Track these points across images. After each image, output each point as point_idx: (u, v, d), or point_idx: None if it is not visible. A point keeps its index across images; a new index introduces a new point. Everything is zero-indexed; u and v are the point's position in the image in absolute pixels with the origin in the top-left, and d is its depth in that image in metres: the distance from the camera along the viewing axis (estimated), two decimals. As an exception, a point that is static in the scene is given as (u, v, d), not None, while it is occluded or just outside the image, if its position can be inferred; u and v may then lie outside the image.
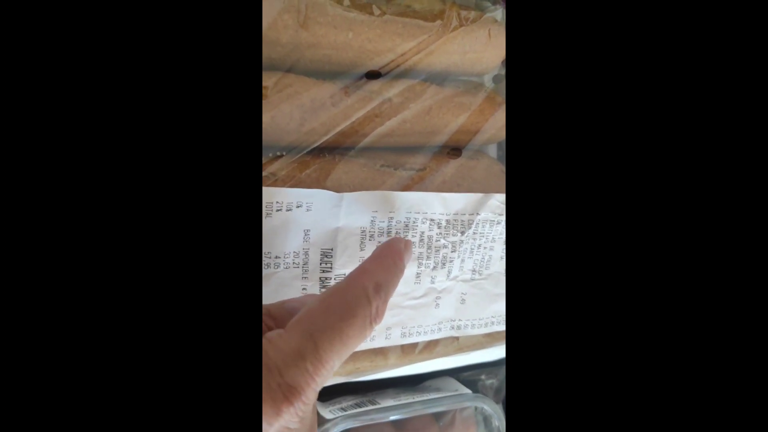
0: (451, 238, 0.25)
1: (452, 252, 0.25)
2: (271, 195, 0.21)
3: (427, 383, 0.33)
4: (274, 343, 0.14)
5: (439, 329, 0.26)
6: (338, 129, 0.23)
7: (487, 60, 0.27)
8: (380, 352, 0.26)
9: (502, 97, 0.27)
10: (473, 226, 0.25)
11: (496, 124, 0.27)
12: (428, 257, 0.25)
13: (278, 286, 0.22)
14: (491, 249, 0.27)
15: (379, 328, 0.24)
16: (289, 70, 0.24)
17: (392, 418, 0.29)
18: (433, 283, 0.25)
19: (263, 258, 0.22)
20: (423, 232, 0.24)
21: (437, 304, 0.26)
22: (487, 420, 0.30)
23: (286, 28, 0.22)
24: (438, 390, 0.31)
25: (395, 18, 0.24)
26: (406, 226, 0.24)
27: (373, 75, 0.24)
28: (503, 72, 0.28)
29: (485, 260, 0.27)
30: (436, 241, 0.25)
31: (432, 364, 0.29)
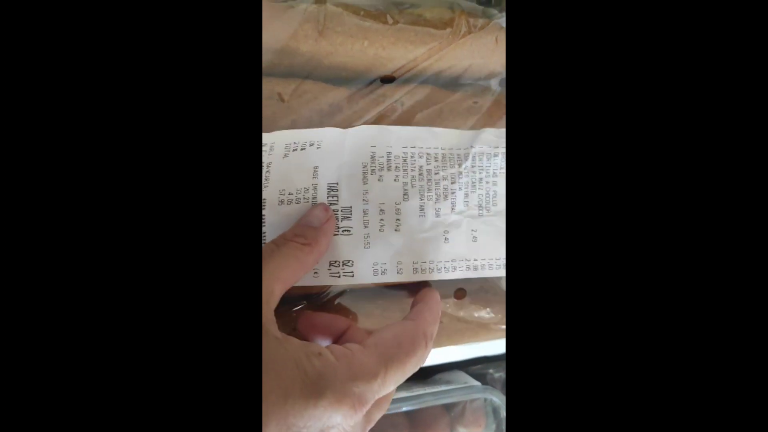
0: (450, 170, 0.26)
1: (452, 184, 0.26)
2: (289, 137, 0.24)
3: (438, 376, 0.35)
4: (356, 356, 0.17)
5: (454, 267, 0.27)
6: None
7: (494, 64, 0.28)
8: None
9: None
10: (469, 158, 0.26)
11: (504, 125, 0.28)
12: (429, 189, 0.26)
13: (290, 218, 0.24)
14: (494, 184, 0.27)
15: (389, 261, 0.25)
16: (307, 77, 0.25)
17: (405, 408, 0.30)
18: (438, 215, 0.26)
19: (277, 195, 0.23)
20: (422, 166, 0.25)
21: (446, 239, 0.26)
22: (495, 411, 0.32)
23: (306, 38, 0.24)
24: (448, 382, 0.33)
25: (407, 26, 0.26)
26: (405, 160, 0.25)
27: (387, 80, 0.26)
28: (510, 76, 0.29)
29: (490, 195, 0.27)
30: (435, 173, 0.26)
31: (442, 356, 0.30)
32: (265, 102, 0.24)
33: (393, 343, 0.19)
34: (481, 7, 0.28)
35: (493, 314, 0.31)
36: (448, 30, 0.26)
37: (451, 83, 0.28)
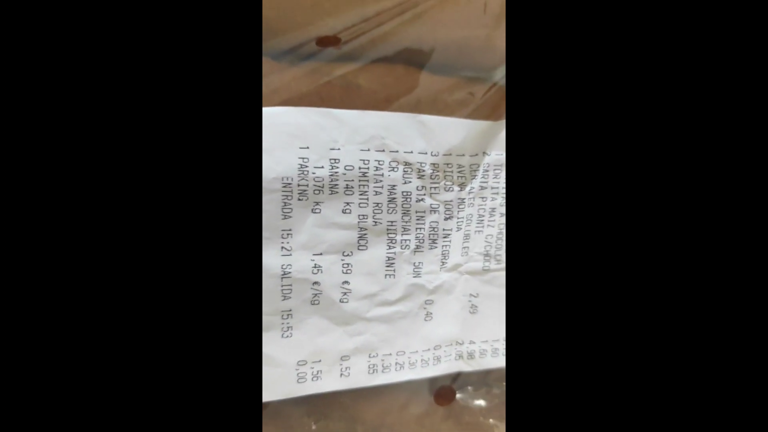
0: (444, 196, 0.15)
1: (447, 220, 0.15)
2: None
3: None
4: None
5: (437, 359, 0.16)
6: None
7: (500, 46, 0.19)
8: None
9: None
10: (479, 174, 0.16)
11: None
12: (406, 229, 0.15)
13: None
14: None
15: (328, 359, 0.14)
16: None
17: None
18: (418, 276, 0.15)
19: None
20: (394, 186, 0.14)
21: (429, 314, 0.16)
22: None
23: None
24: None
25: (366, -32, 0.16)
26: (364, 174, 0.14)
27: (327, 42, 0.15)
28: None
29: (504, 236, 0.17)
30: (418, 201, 0.15)
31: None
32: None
33: None
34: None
35: (501, 426, 0.20)
36: (431, -21, 0.17)
37: (435, 64, 0.18)
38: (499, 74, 0.21)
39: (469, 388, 0.19)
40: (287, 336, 0.14)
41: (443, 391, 0.19)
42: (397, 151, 0.14)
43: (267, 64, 0.15)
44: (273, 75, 0.15)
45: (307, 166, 0.13)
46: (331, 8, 0.16)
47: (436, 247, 0.16)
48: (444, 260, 0.16)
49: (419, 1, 0.17)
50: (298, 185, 0.13)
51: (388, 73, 0.17)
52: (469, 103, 0.17)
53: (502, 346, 0.17)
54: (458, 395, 0.19)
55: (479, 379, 0.20)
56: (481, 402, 0.19)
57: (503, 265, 0.17)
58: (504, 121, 0.16)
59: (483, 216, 0.16)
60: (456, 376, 0.19)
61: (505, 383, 0.20)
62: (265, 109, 0.13)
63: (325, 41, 0.16)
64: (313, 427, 0.16)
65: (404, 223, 0.15)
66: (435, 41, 0.18)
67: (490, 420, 0.19)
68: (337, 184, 0.14)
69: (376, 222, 0.14)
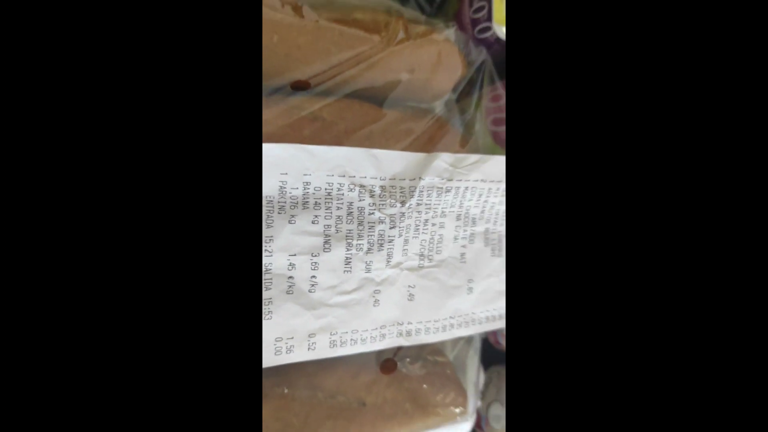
0: (389, 210, 0.19)
1: (391, 228, 0.19)
2: None
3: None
4: None
5: (382, 336, 0.20)
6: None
7: (438, 84, 0.23)
8: None
9: (450, 123, 0.23)
10: (416, 194, 0.20)
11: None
12: (360, 236, 0.19)
13: None
14: (441, 226, 0.21)
15: (298, 336, 0.18)
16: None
17: None
18: (368, 271, 0.20)
19: None
20: (351, 203, 0.18)
21: (376, 301, 0.20)
22: None
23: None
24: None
25: (331, 24, 0.20)
26: (329, 194, 0.18)
27: (299, 86, 0.19)
28: (454, 97, 0.24)
29: (435, 241, 0.21)
30: (370, 214, 0.19)
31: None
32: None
33: None
34: (423, 17, 0.23)
35: (434, 391, 0.24)
36: (383, 34, 0.21)
37: (385, 100, 0.22)
38: (438, 107, 0.25)
39: (408, 359, 0.23)
40: (268, 318, 0.17)
41: (387, 363, 0.23)
42: (354, 177, 0.18)
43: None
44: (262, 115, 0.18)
45: (285, 188, 0.17)
46: (302, 58, 0.19)
47: (382, 250, 0.20)
48: (389, 259, 0.20)
49: (373, 53, 0.21)
50: (278, 202, 0.17)
51: (347, 109, 0.21)
52: (411, 133, 0.22)
53: (433, 325, 0.22)
54: (399, 366, 0.23)
55: (416, 353, 0.24)
56: (417, 371, 0.24)
57: (434, 262, 0.22)
58: (436, 153, 0.21)
59: (419, 226, 0.20)
60: (397, 350, 0.23)
61: (437, 355, 0.25)
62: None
63: (297, 85, 0.19)
64: (285, 391, 0.20)
65: (359, 231, 0.19)
66: (385, 83, 0.22)
67: (424, 385, 0.24)
68: (308, 201, 0.18)
69: (337, 230, 0.19)
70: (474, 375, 0.26)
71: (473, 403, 0.26)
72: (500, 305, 0.24)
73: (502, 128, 0.26)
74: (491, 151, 0.26)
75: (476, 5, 0.27)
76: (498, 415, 0.32)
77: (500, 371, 0.34)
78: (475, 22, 0.27)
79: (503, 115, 0.26)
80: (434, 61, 0.22)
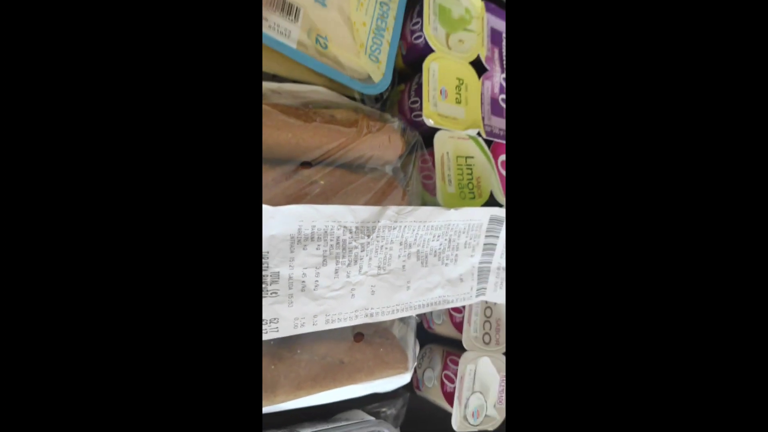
0: (360, 241, 0.32)
1: (361, 251, 0.32)
2: None
3: (338, 416, 0.39)
4: None
5: (356, 316, 0.33)
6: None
7: (389, 156, 0.36)
8: (269, 389, 0.32)
9: (398, 182, 0.37)
10: (376, 231, 0.32)
11: (393, 201, 0.36)
12: (343, 256, 0.31)
13: None
14: (390, 249, 0.34)
15: (307, 317, 0.30)
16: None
17: (310, 445, 0.34)
18: (348, 277, 0.32)
19: None
20: (338, 237, 0.31)
21: (353, 295, 0.32)
22: (387, 441, 0.37)
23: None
24: (347, 420, 0.37)
25: (323, 124, 0.32)
26: (326, 233, 0.30)
27: (306, 165, 0.32)
28: (399, 164, 0.37)
29: (387, 258, 0.34)
30: (349, 243, 0.31)
31: (342, 395, 0.35)
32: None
33: None
34: (379, 112, 0.36)
35: (387, 353, 0.37)
36: (354, 129, 0.33)
37: (358, 168, 0.35)
38: (388, 169, 0.38)
39: (371, 333, 0.36)
40: (290, 305, 0.30)
41: (358, 335, 0.36)
42: (340, 221, 0.31)
43: (278, 177, 0.30)
44: (280, 183, 0.31)
45: (301, 229, 0.30)
46: (306, 147, 0.32)
47: (356, 264, 0.32)
48: (360, 270, 0.33)
49: (349, 141, 0.33)
50: (296, 238, 0.29)
51: (333, 174, 0.33)
52: (371, 190, 0.35)
53: (386, 310, 0.35)
54: (365, 336, 0.36)
55: (377, 330, 0.37)
56: (377, 340, 0.36)
57: (387, 271, 0.34)
58: (387, 206, 0.34)
59: (378, 250, 0.33)
60: (364, 327, 0.36)
61: (388, 331, 0.37)
62: (283, 207, 0.29)
63: (304, 165, 0.32)
64: (297, 353, 0.32)
65: (343, 253, 0.32)
66: (361, 157, 0.34)
67: (381, 349, 0.36)
68: (314, 237, 0.30)
69: (330, 253, 0.31)
70: (411, 344, 0.40)
71: (411, 362, 0.39)
72: (428, 297, 0.38)
73: (430, 181, 0.40)
74: (422, 197, 0.39)
75: (412, 99, 0.40)
76: (429, 377, 0.45)
77: (432, 347, 0.47)
78: (411, 110, 0.40)
79: (430, 172, 0.40)
80: (386, 143, 0.35)
